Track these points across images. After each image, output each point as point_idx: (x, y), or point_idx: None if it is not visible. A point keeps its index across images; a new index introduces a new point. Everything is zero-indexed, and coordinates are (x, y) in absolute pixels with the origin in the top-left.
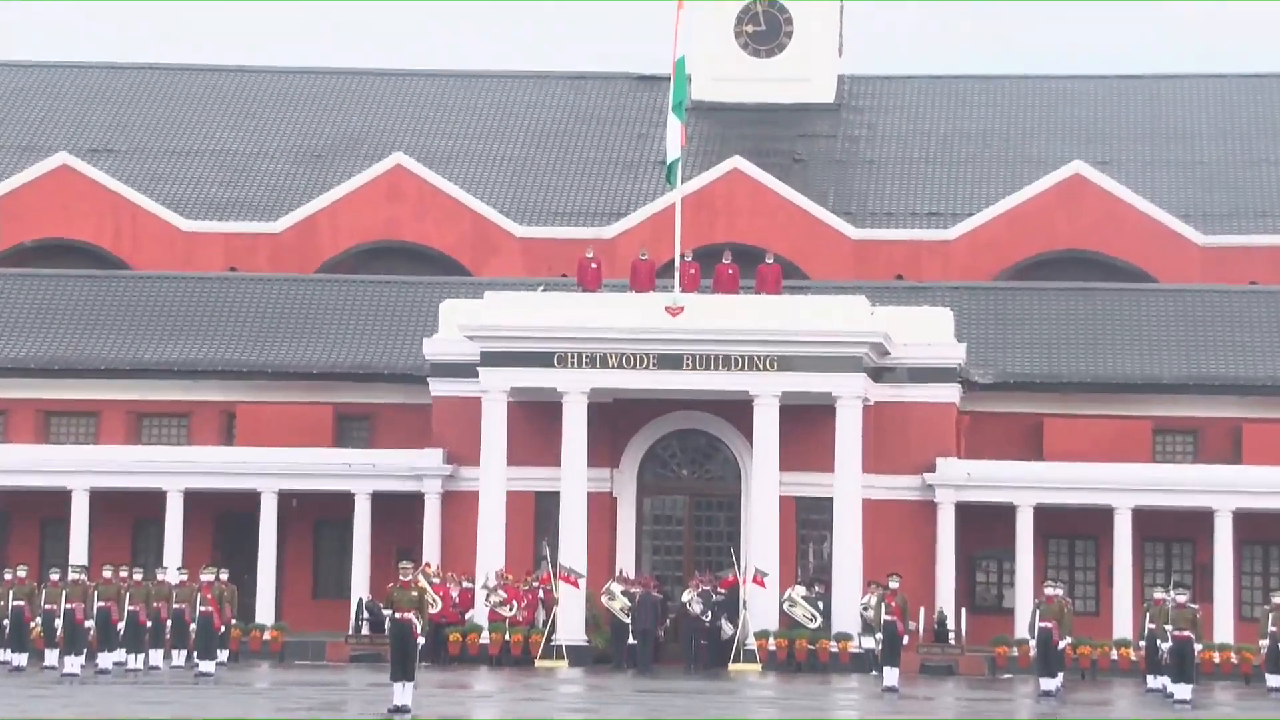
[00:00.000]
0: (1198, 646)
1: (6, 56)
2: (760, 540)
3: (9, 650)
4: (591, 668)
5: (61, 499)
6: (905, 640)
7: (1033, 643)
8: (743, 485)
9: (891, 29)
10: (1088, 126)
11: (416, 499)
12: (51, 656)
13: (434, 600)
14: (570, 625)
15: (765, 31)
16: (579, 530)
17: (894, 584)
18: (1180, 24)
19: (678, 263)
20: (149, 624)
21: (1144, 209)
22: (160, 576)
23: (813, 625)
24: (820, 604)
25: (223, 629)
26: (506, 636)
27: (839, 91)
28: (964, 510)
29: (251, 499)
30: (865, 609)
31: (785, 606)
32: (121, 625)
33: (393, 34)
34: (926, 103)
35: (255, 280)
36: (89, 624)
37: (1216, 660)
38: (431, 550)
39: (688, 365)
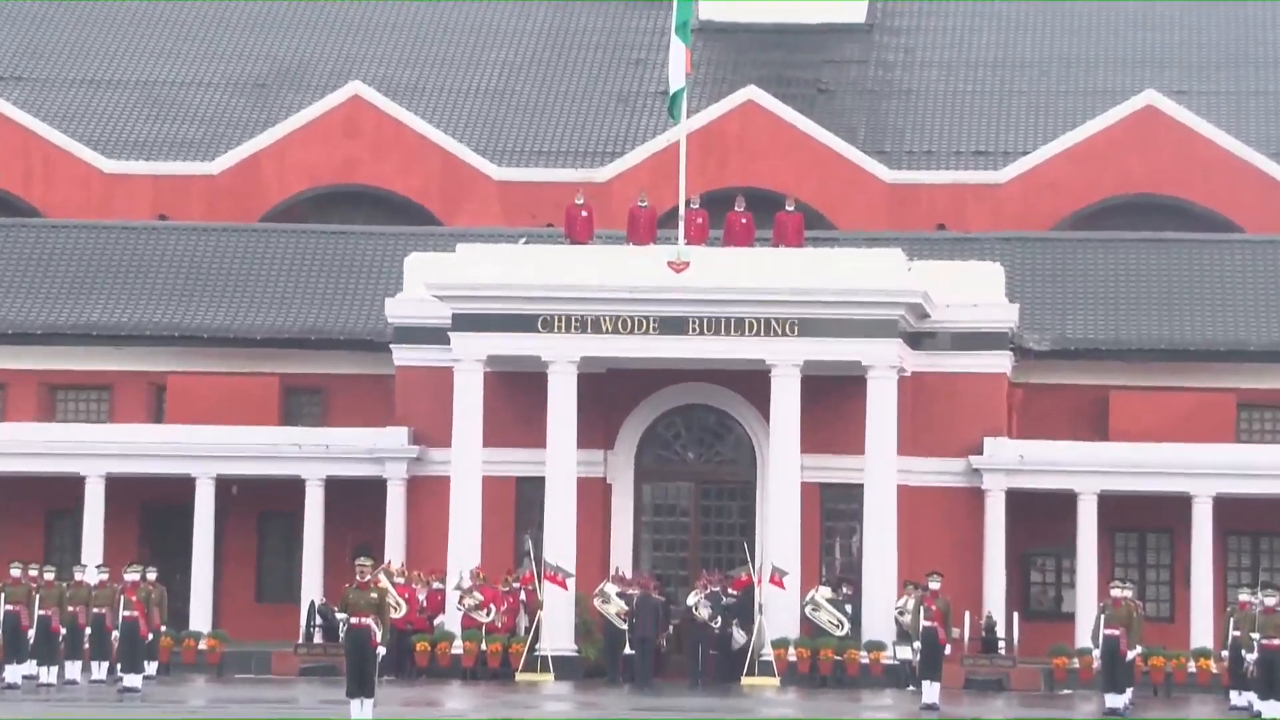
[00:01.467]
0: None
1: None
2: (779, 534)
3: None
4: (582, 682)
5: None
6: (947, 650)
7: (1096, 653)
8: (758, 470)
9: None
10: (1162, 51)
11: (377, 486)
12: None
13: (397, 603)
14: (557, 633)
15: None
16: (567, 522)
17: (934, 584)
18: None
19: (682, 210)
20: (64, 631)
21: (1227, 146)
22: (78, 576)
23: (839, 633)
24: (848, 608)
25: (150, 637)
26: (483, 646)
27: (871, 10)
28: (1016, 499)
29: (184, 486)
30: (901, 614)
31: (808, 611)
32: (32, 633)
33: None
34: (974, 24)
35: (188, 230)
36: None
37: None
38: (395, 545)
39: (694, 330)
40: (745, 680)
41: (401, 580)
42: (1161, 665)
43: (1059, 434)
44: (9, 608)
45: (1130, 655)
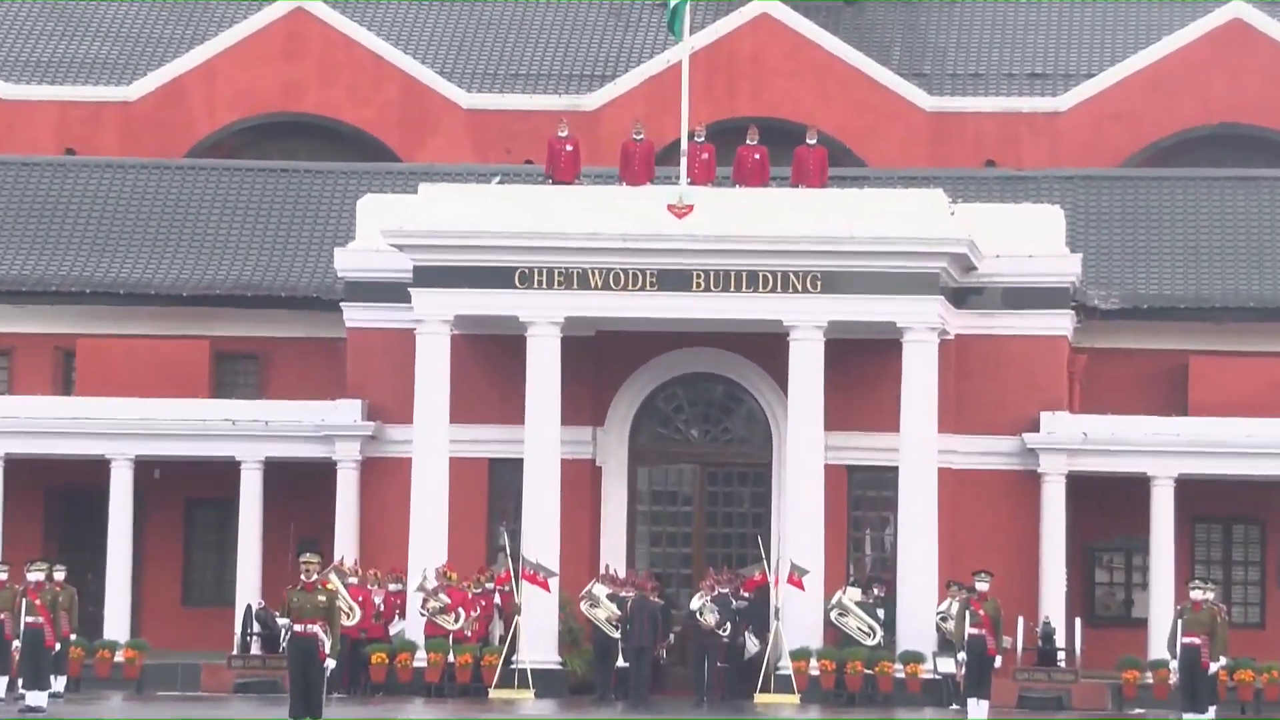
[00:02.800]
0: None
1: None
2: (798, 525)
3: None
4: (567, 700)
5: None
6: (998, 662)
7: (1174, 665)
8: (774, 450)
9: None
10: None
11: (325, 469)
12: None
13: (350, 608)
14: (538, 642)
15: None
16: (549, 512)
17: (982, 585)
18: None
19: (685, 145)
20: None
21: None
22: None
23: (870, 641)
24: (880, 612)
25: (58, 647)
26: (450, 657)
27: None
28: (1079, 484)
29: (98, 469)
30: (943, 619)
31: (833, 616)
32: None
33: None
34: None
35: (101, 167)
36: None
37: None
38: (346, 539)
39: (698, 285)
40: (759, 697)
41: (354, 580)
42: (1250, 680)
43: (1129, 407)
44: None
45: (1213, 668)
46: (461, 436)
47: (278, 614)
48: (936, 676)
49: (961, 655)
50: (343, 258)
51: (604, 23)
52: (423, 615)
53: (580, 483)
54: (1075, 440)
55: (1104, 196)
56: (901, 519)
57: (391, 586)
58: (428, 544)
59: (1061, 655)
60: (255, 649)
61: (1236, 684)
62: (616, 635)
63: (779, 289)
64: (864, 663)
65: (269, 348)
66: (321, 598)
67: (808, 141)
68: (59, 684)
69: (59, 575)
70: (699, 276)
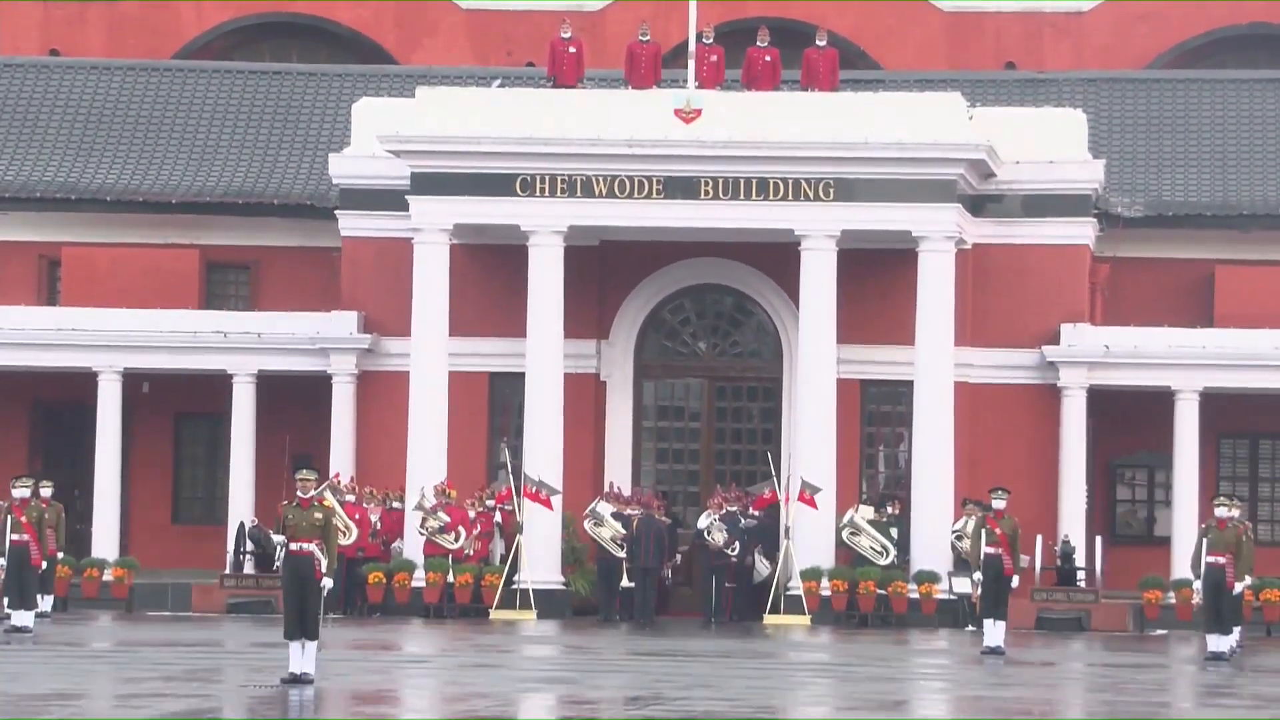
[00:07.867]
0: None
1: None
2: (809, 441)
3: None
4: (570, 621)
5: None
6: (1015, 582)
7: (1198, 585)
8: (785, 364)
9: None
10: None
11: (320, 382)
12: None
13: (346, 526)
14: (540, 562)
15: None
16: (552, 428)
17: (999, 503)
18: None
19: (693, 47)
20: None
21: None
22: None
23: (883, 561)
24: (894, 531)
25: (44, 566)
26: (450, 577)
27: None
28: (1100, 398)
29: (84, 382)
30: (958, 538)
31: (845, 535)
32: None
33: None
34: None
35: (87, 69)
36: None
37: None
38: (342, 455)
39: (706, 192)
40: (769, 618)
41: (351, 498)
42: (1276, 599)
43: (1153, 319)
44: None
45: (1238, 588)
46: (461, 350)
47: (272, 532)
48: (952, 597)
49: (977, 575)
50: (338, 164)
51: None
52: (421, 534)
53: (584, 397)
54: (1097, 353)
55: (1129, 100)
56: (916, 435)
57: (390, 504)
58: (426, 461)
59: (1081, 575)
60: (248, 568)
61: (1262, 604)
62: (621, 555)
63: (790, 197)
64: (877, 583)
65: (261, 257)
66: (318, 515)
67: (817, 43)
68: (45, 604)
69: (45, 491)
70: (707, 184)
